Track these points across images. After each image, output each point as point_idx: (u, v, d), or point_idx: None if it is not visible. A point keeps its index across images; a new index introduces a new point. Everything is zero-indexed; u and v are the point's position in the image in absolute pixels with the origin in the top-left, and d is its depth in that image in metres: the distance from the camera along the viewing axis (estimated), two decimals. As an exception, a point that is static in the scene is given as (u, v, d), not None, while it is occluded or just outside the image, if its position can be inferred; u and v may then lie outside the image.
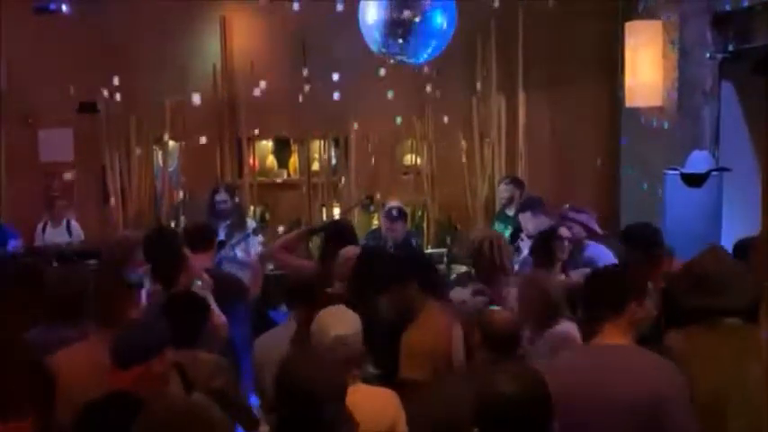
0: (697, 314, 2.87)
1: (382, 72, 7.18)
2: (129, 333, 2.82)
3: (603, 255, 5.04)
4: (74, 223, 7.03)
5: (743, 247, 3.90)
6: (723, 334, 2.83)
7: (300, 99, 7.42)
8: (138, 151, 7.42)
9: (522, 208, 6.03)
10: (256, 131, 7.67)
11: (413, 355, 3.62)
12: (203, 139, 7.44)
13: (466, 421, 2.32)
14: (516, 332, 3.28)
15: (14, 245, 6.33)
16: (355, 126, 7.62)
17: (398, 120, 7.55)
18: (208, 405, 2.14)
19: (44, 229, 6.99)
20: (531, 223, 5.69)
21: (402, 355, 3.66)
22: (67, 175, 7.33)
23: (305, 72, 7.44)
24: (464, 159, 7.70)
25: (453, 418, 2.98)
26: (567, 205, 5.59)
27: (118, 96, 7.23)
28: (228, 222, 6.27)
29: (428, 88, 7.54)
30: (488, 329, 3.23)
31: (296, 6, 7.26)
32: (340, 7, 6.55)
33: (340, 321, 2.93)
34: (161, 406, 2.13)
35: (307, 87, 7.43)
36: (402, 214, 6.19)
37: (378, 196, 7.31)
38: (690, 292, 2.90)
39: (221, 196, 6.43)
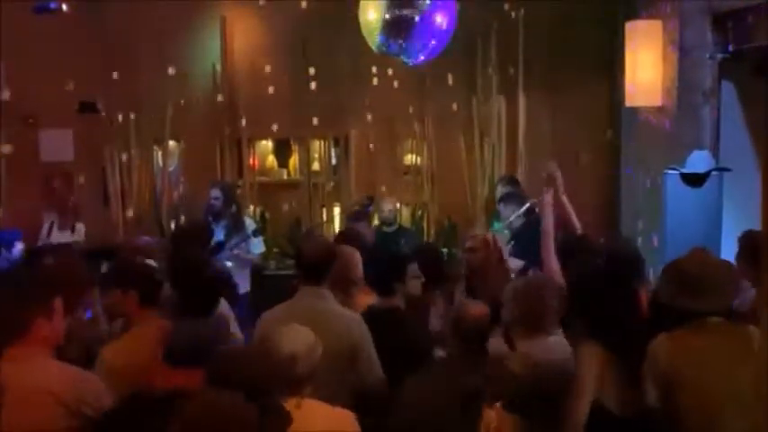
0: (683, 316, 2.90)
1: (382, 72, 7.18)
2: (188, 329, 2.66)
3: None
4: (78, 225, 6.92)
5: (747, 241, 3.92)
6: (709, 333, 2.87)
7: (300, 99, 7.43)
8: (137, 151, 7.42)
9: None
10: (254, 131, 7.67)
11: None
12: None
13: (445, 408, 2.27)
14: (486, 326, 3.33)
15: (18, 247, 6.27)
16: (355, 125, 7.62)
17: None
18: (244, 404, 2.06)
19: (50, 232, 6.89)
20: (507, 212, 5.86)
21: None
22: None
23: (305, 72, 7.44)
24: (464, 159, 7.70)
25: (436, 405, 3.06)
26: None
27: (118, 96, 7.23)
28: (225, 224, 6.26)
29: (428, 88, 7.54)
30: (461, 322, 3.31)
31: (296, 6, 7.26)
32: (340, 7, 6.55)
33: (294, 338, 2.80)
34: (198, 404, 2.06)
35: (307, 87, 7.44)
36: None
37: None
38: (675, 294, 2.94)
39: (214, 193, 6.42)
